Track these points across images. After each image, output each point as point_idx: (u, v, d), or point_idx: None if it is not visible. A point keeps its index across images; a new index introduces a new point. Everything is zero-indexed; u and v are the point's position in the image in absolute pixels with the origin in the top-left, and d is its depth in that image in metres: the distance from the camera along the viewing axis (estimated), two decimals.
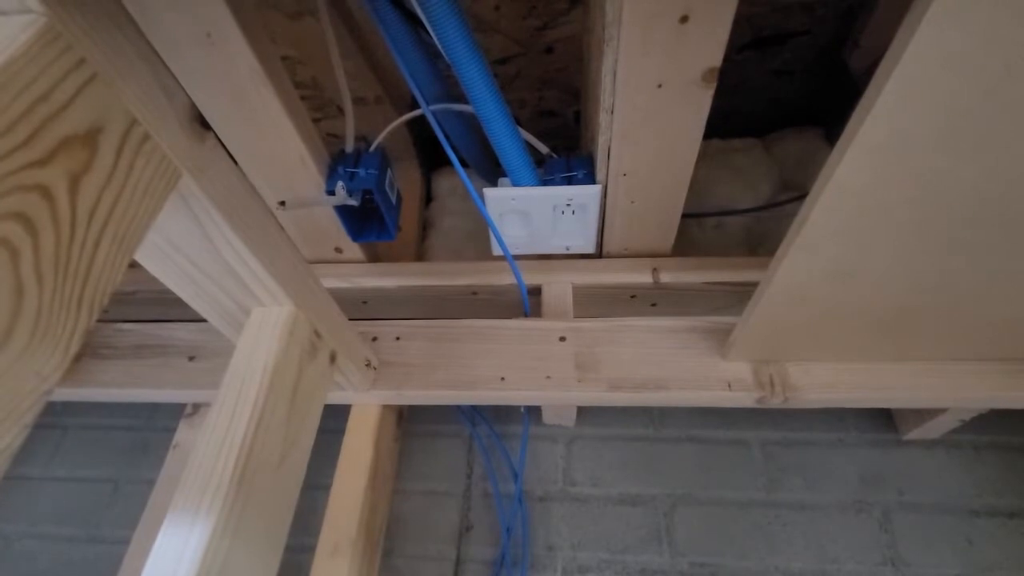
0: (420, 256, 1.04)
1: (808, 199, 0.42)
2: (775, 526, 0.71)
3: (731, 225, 1.02)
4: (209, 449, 0.43)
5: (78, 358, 0.74)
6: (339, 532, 0.63)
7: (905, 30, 0.31)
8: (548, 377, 0.66)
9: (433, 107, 0.70)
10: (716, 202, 1.03)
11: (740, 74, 0.99)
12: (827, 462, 0.74)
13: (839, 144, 0.38)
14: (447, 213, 1.10)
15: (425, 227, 1.11)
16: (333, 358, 0.57)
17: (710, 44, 0.52)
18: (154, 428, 0.88)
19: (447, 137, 0.68)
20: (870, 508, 0.71)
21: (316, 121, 1.03)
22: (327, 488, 0.67)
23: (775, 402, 0.63)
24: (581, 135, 0.97)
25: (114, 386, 0.71)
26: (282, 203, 0.69)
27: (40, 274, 0.25)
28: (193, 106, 0.36)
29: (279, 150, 0.66)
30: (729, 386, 0.63)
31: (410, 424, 0.83)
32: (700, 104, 0.58)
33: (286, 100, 0.61)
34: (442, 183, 1.15)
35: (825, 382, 0.62)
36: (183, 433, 0.74)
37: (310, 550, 0.64)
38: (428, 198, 1.14)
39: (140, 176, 0.32)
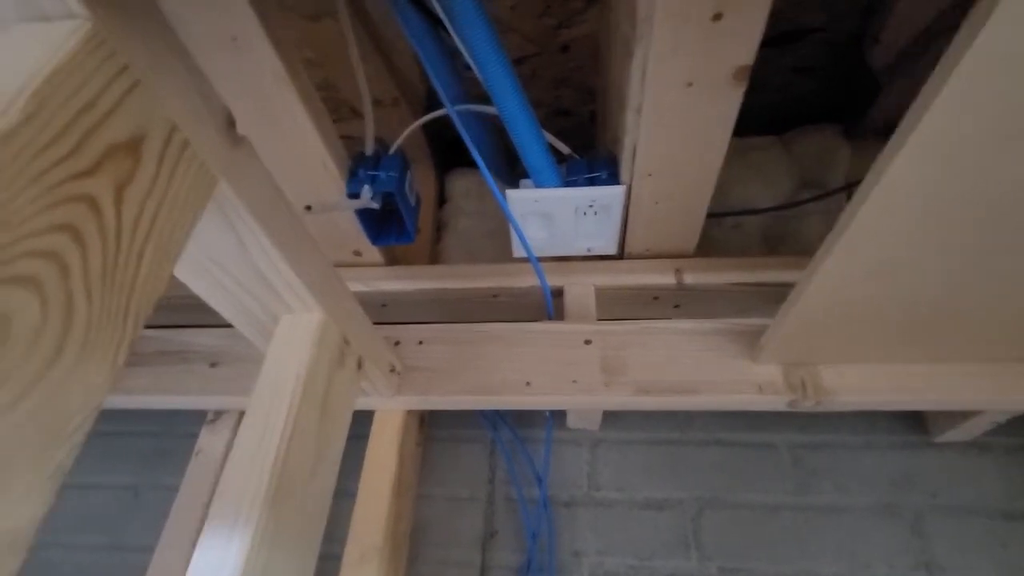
0: (434, 258, 1.03)
1: (855, 198, 0.41)
2: (805, 530, 0.70)
3: (750, 224, 1.01)
4: (243, 461, 0.42)
5: None
6: (365, 541, 0.62)
7: (966, 31, 0.30)
8: (574, 381, 0.65)
9: (457, 108, 0.69)
10: (735, 201, 1.02)
11: (758, 70, 0.98)
12: (857, 465, 0.73)
13: (891, 143, 0.37)
14: (461, 214, 1.10)
15: (439, 229, 1.10)
16: (360, 364, 0.56)
17: (743, 42, 0.51)
18: (174, 434, 0.87)
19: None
20: (902, 511, 0.70)
21: (334, 122, 1.03)
22: (351, 495, 0.66)
23: (807, 405, 0.62)
24: (597, 135, 0.96)
25: (137, 393, 0.70)
26: (308, 207, 0.68)
27: (89, 288, 0.25)
28: (228, 111, 0.35)
29: (301, 154, 0.66)
30: (760, 389, 0.62)
31: (431, 428, 0.82)
32: (730, 103, 0.57)
33: (309, 104, 0.61)
34: (456, 184, 1.14)
35: (859, 385, 0.61)
36: (205, 439, 0.74)
37: (336, 558, 0.64)
38: (441, 199, 1.13)
39: (181, 184, 0.31)
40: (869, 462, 0.73)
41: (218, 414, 0.76)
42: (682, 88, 0.56)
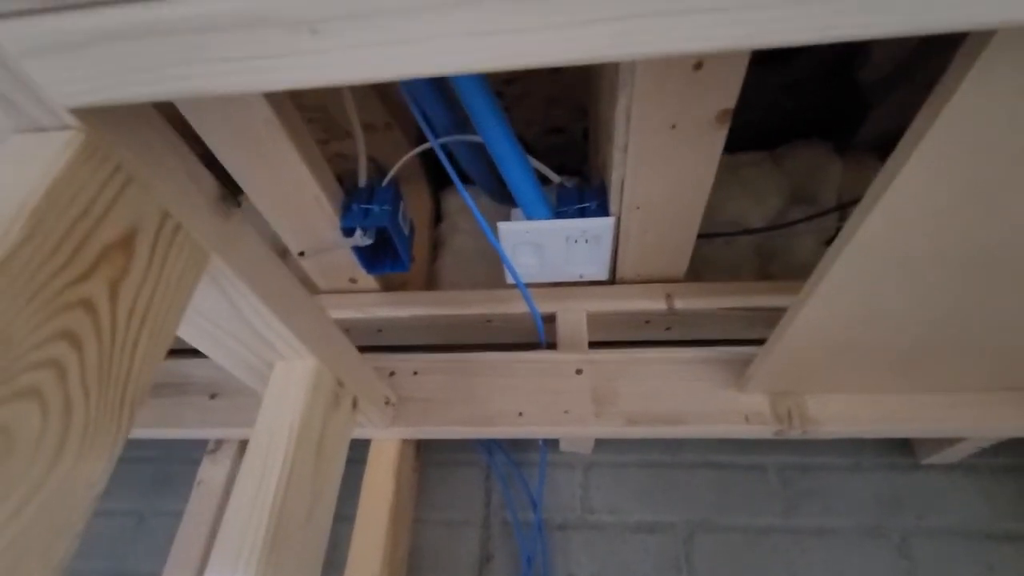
0: (431, 277, 1.04)
1: (830, 251, 0.43)
2: (794, 552, 0.71)
3: (741, 241, 1.02)
4: (241, 509, 0.44)
5: None
6: (364, 569, 0.64)
7: (929, 109, 0.31)
8: (566, 412, 0.66)
9: (443, 139, 0.70)
10: (726, 216, 1.03)
11: (747, 88, 0.99)
12: (845, 487, 0.74)
13: (862, 204, 0.38)
14: (458, 232, 1.10)
15: (436, 247, 1.11)
16: (355, 404, 0.58)
17: (724, 87, 0.52)
18: (177, 459, 0.89)
19: (456, 164, 0.68)
20: (889, 533, 0.71)
21: (324, 143, 1.04)
22: (350, 519, 0.68)
23: (793, 434, 0.63)
24: (590, 155, 0.97)
25: (138, 426, 0.72)
26: (302, 253, 0.70)
27: (86, 387, 0.26)
28: (219, 185, 0.37)
29: (294, 193, 0.67)
30: (747, 419, 0.63)
31: (427, 453, 0.83)
32: (714, 142, 0.58)
33: (300, 144, 0.62)
34: (451, 201, 1.15)
35: (844, 414, 0.62)
36: (206, 470, 0.75)
37: None
38: (438, 217, 1.14)
39: (173, 267, 0.32)
40: (857, 484, 0.74)
41: (219, 443, 0.78)
42: (666, 130, 0.57)
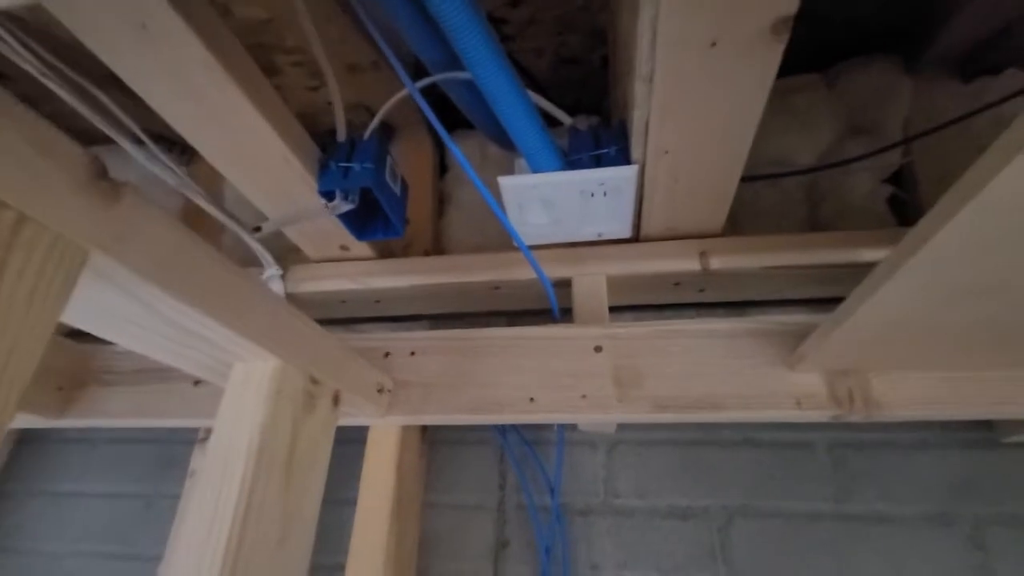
0: (438, 235, 0.94)
1: (934, 213, 0.31)
2: (846, 542, 0.63)
3: (787, 182, 0.88)
4: (196, 537, 0.37)
5: (83, 385, 0.70)
6: (366, 568, 0.59)
7: None
8: (584, 397, 0.58)
9: (426, 81, 0.59)
10: (771, 153, 0.88)
11: None
12: (908, 467, 0.65)
13: (993, 151, 0.26)
14: (465, 183, 0.99)
15: (442, 201, 1.00)
16: (337, 400, 0.50)
17: None
18: (179, 440, 0.85)
19: (456, 107, 0.57)
20: (959, 521, 0.62)
21: (314, 89, 0.92)
22: (352, 503, 0.63)
23: (854, 419, 0.53)
24: (610, 88, 0.84)
25: (119, 416, 0.67)
26: (257, 228, 0.60)
27: None
28: (95, 160, 0.27)
29: (256, 150, 0.57)
30: (798, 403, 0.53)
31: (435, 431, 0.77)
32: (766, 63, 0.45)
33: (252, 93, 0.51)
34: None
35: (917, 395, 0.52)
36: (198, 460, 0.71)
37: (340, 568, 0.61)
38: (443, 168, 1.03)
39: (23, 273, 0.23)
40: (923, 464, 0.65)
41: (209, 431, 0.72)
42: (703, 50, 0.44)
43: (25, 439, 0.92)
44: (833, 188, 0.85)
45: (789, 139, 0.88)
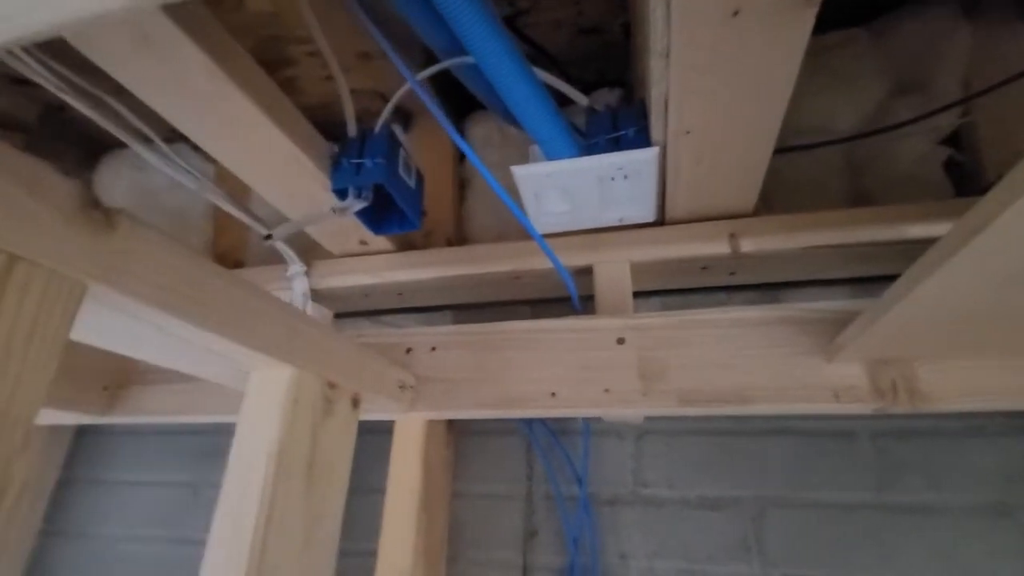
0: (460, 221, 0.93)
1: (995, 193, 0.28)
2: (889, 534, 0.60)
3: (826, 149, 0.82)
4: (219, 547, 0.38)
5: (127, 385, 0.73)
6: (395, 563, 0.60)
7: None
8: (606, 391, 0.56)
9: (428, 71, 0.57)
10: (807, 119, 0.82)
11: None
12: (958, 455, 0.61)
13: None
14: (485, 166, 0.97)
15: (463, 186, 0.98)
16: (356, 402, 0.50)
17: None
18: (223, 431, 0.89)
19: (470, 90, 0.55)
20: (1014, 511, 0.58)
21: (331, 79, 0.91)
22: (381, 491, 0.64)
23: (898, 411, 0.50)
24: (631, 61, 0.79)
25: (161, 413, 0.70)
26: (268, 236, 0.60)
27: None
28: (85, 190, 0.27)
29: (266, 152, 0.57)
30: (836, 396, 0.50)
31: (463, 422, 0.77)
32: (796, 32, 0.41)
33: (257, 96, 0.51)
34: (476, 132, 1.00)
35: (971, 386, 0.48)
36: None
37: (371, 554, 0.62)
38: (462, 152, 1.00)
39: (16, 318, 0.23)
40: (975, 452, 0.61)
41: None
42: (725, 19, 0.40)
43: (83, 431, 0.98)
44: (878, 154, 0.79)
45: (828, 101, 0.81)
